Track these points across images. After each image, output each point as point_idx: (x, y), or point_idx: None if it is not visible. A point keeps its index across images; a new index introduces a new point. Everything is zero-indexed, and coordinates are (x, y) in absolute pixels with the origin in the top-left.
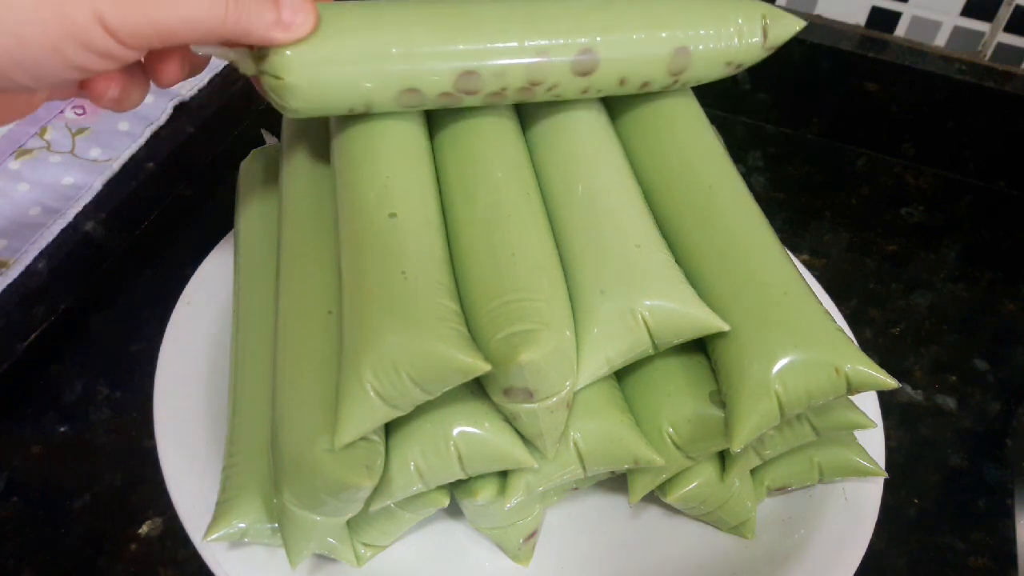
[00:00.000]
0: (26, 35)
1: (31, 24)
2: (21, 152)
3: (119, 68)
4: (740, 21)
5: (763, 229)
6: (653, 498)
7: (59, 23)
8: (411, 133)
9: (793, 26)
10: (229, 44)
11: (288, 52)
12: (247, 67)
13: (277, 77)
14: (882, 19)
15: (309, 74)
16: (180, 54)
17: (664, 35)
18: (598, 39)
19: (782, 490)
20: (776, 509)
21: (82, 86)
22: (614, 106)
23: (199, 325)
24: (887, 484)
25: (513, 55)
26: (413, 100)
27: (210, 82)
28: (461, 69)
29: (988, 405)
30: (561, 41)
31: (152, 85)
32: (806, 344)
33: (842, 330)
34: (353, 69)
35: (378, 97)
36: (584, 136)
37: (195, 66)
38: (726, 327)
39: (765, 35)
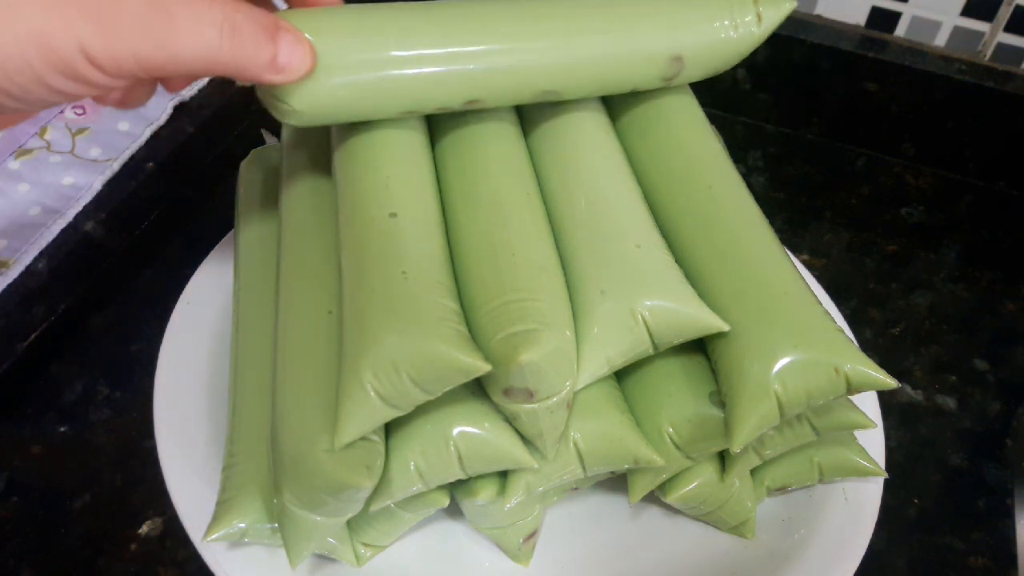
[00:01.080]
0: (9, 68)
1: (13, 58)
2: (21, 152)
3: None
4: (733, 14)
5: (763, 229)
6: (653, 498)
7: (43, 58)
8: (412, 133)
9: (786, 5)
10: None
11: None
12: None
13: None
14: (882, 19)
15: (310, 98)
16: None
17: (661, 38)
18: (598, 46)
19: (782, 490)
20: (776, 509)
21: None
22: (614, 106)
23: (199, 325)
24: (887, 484)
25: (516, 75)
26: (411, 116)
27: (210, 82)
28: (465, 98)
29: (988, 405)
30: (560, 50)
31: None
32: (806, 344)
33: (842, 330)
34: (355, 80)
35: (379, 110)
36: (584, 136)
37: None
38: (726, 327)
39: (759, 20)
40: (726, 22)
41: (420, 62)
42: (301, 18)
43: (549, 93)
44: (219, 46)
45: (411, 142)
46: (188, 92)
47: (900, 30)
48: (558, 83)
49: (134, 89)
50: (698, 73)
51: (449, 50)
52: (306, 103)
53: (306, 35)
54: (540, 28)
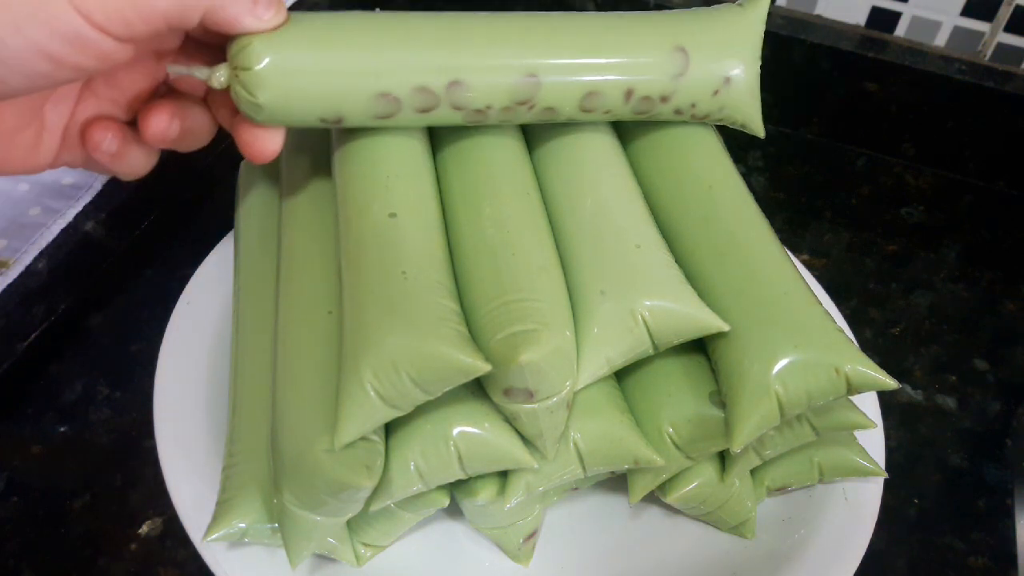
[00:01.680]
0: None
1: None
2: None
3: (101, 66)
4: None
5: (763, 229)
6: (653, 498)
7: (32, 15)
8: (412, 132)
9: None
10: (203, 28)
11: (258, 41)
12: (218, 78)
13: (246, 68)
14: (882, 19)
15: (280, 62)
16: (171, 107)
17: (654, 21)
18: (585, 22)
19: (782, 490)
20: (776, 509)
21: (81, 136)
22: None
23: (199, 325)
24: (887, 484)
25: (499, 73)
26: (389, 107)
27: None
28: (445, 79)
29: (988, 405)
30: (552, 61)
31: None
32: (806, 345)
33: (842, 330)
34: (328, 62)
35: (351, 90)
36: (584, 138)
37: (188, 130)
38: (726, 327)
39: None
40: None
41: (389, 36)
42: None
43: (534, 70)
44: None
45: (411, 142)
46: None
47: (900, 30)
48: (541, 55)
49: (127, 144)
50: (710, 57)
51: (421, 26)
52: (274, 88)
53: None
54: (519, 17)
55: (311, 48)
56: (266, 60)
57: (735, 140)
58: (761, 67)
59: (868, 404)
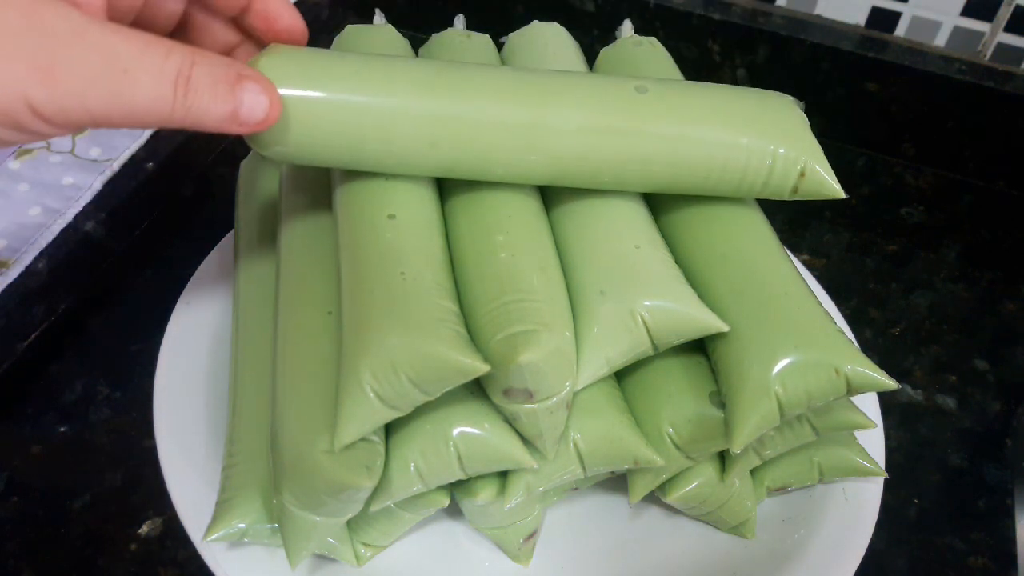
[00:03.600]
0: None
1: None
2: (21, 152)
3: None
4: (782, 151)
5: (763, 229)
6: (653, 498)
7: None
8: None
9: (831, 190)
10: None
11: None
12: None
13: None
14: (882, 19)
15: (284, 143)
16: None
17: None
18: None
19: (782, 490)
20: (776, 509)
21: None
22: None
23: (199, 325)
24: (887, 484)
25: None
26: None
27: None
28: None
29: (988, 405)
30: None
31: None
32: (806, 345)
33: (842, 331)
34: (326, 137)
35: (352, 165)
36: None
37: None
38: (726, 328)
39: (796, 186)
40: (767, 158)
41: (395, 127)
42: (274, 62)
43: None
44: (172, 105)
45: None
46: None
47: (900, 30)
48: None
49: None
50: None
51: (433, 115)
52: (274, 152)
53: (275, 83)
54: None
55: (310, 140)
56: (263, 147)
57: None
58: (761, 67)
59: (868, 404)
